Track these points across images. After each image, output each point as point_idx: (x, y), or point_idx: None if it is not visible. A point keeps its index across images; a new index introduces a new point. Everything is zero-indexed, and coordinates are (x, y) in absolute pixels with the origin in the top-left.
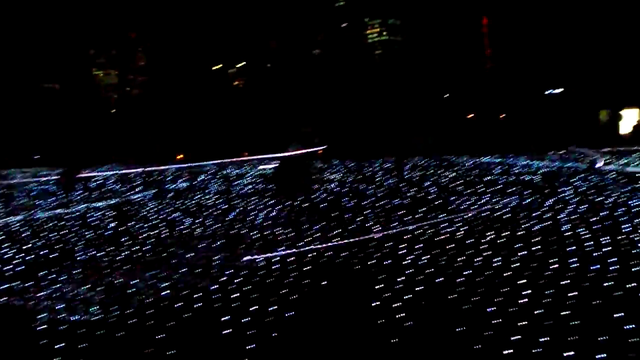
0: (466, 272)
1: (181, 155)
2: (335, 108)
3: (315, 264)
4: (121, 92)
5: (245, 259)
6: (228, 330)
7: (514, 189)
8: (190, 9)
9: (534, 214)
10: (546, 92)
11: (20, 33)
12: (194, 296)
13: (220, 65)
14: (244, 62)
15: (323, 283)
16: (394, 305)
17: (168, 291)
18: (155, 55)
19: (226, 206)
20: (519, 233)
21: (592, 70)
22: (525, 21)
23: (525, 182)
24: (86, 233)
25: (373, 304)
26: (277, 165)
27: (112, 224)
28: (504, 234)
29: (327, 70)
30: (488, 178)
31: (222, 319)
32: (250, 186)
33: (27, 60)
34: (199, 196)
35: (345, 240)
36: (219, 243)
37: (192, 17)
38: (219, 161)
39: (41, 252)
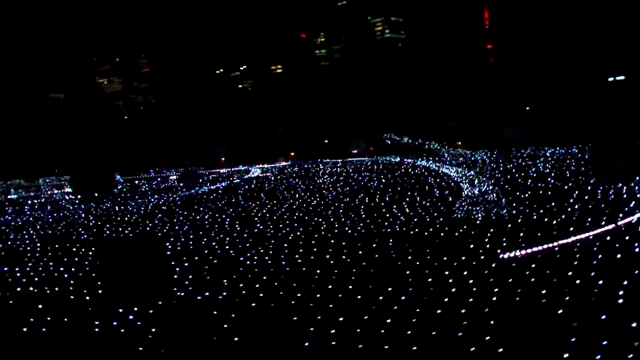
0: None
1: (223, 158)
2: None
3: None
4: (126, 99)
5: (504, 255)
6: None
7: None
8: (190, 16)
9: None
10: (609, 79)
11: (22, 44)
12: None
13: (222, 69)
14: (245, 66)
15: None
16: None
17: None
18: (158, 62)
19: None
20: None
21: None
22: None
23: None
24: None
25: None
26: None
27: None
28: None
29: (334, 70)
30: None
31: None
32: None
33: (31, 71)
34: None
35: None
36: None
37: (192, 23)
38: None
39: None
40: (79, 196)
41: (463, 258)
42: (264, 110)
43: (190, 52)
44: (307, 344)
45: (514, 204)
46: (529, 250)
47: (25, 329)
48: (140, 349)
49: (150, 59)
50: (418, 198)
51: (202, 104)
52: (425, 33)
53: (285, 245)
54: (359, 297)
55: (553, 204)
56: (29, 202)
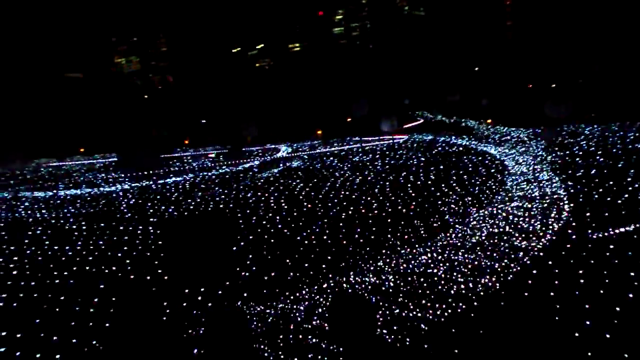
0: None
1: (249, 139)
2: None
3: None
4: (144, 78)
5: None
6: None
7: None
8: None
9: None
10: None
11: (38, 26)
12: None
13: (239, 48)
14: (262, 44)
15: None
16: None
17: None
18: (176, 41)
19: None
20: None
21: None
22: None
23: None
24: None
25: None
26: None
27: None
28: None
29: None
30: None
31: None
32: None
33: (49, 51)
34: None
35: None
36: None
37: (208, 2)
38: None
39: None
40: (127, 173)
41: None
42: (283, 89)
43: (207, 31)
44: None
45: (569, 183)
46: (616, 231)
47: (91, 310)
48: (221, 331)
49: (167, 38)
50: (465, 176)
51: (220, 83)
52: (445, 9)
53: (341, 224)
54: (436, 280)
55: (611, 182)
56: (65, 180)
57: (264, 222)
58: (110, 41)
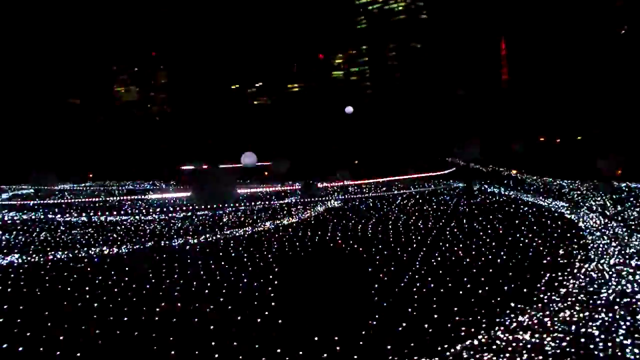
0: None
1: (265, 172)
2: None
3: None
4: (143, 108)
5: None
6: None
7: None
8: (210, 30)
9: None
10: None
11: (43, 50)
12: None
13: (238, 85)
14: (261, 83)
15: None
16: None
17: None
18: (176, 74)
19: None
20: None
21: None
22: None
23: None
24: None
25: None
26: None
27: None
28: None
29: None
30: None
31: None
32: None
33: (50, 75)
34: None
35: None
36: None
37: (211, 37)
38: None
39: None
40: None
41: None
42: (283, 128)
43: (208, 66)
44: None
45: None
46: None
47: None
48: None
49: (168, 70)
50: (535, 227)
51: (216, 116)
52: (443, 58)
53: (441, 271)
54: (597, 340)
55: None
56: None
57: (357, 263)
58: (110, 70)
